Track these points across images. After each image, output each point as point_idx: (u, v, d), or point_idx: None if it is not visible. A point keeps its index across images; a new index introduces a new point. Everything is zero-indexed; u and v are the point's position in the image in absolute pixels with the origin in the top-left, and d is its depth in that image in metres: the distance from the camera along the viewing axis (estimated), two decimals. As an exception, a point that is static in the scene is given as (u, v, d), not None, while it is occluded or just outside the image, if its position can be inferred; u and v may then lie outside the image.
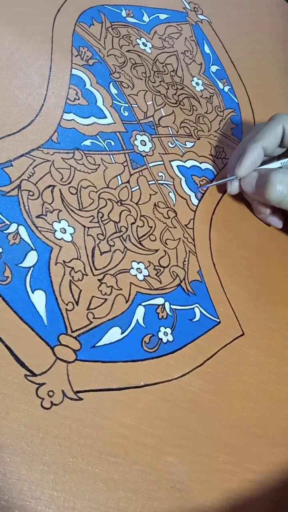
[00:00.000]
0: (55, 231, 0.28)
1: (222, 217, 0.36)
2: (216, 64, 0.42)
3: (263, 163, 0.34)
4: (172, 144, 0.36)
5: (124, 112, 0.34)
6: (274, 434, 0.31)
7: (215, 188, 0.36)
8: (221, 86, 0.41)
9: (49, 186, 0.28)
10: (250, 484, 0.29)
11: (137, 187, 0.32)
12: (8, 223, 0.26)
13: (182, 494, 0.26)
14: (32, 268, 0.26)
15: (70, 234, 0.28)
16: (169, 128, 0.36)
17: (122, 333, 0.27)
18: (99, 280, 0.28)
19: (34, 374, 0.24)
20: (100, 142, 0.32)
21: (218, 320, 0.31)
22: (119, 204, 0.31)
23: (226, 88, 0.41)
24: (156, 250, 0.31)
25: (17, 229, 0.26)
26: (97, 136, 0.32)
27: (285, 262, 0.37)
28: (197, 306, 0.31)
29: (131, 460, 0.25)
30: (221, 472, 0.28)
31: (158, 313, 0.29)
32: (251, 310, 0.34)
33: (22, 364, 0.24)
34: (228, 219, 0.36)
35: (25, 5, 0.33)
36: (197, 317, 0.31)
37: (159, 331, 0.29)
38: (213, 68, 0.41)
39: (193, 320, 0.30)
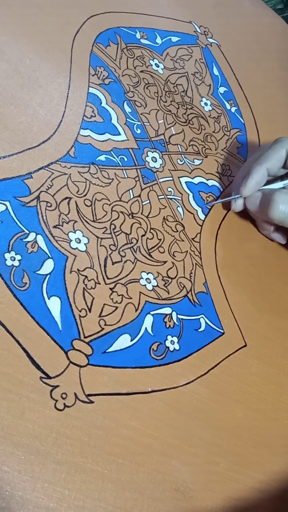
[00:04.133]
0: (71, 241, 0.29)
1: (227, 232, 0.37)
2: (224, 86, 0.44)
3: (267, 183, 0.35)
4: (181, 161, 0.37)
5: (137, 130, 0.36)
6: (275, 443, 0.32)
7: (221, 204, 0.38)
8: (228, 107, 0.43)
9: (65, 198, 0.30)
10: (252, 491, 0.30)
11: (148, 201, 0.34)
12: (27, 232, 0.27)
13: (186, 497, 0.27)
14: (48, 276, 0.27)
15: (85, 244, 0.29)
16: (179, 146, 0.38)
17: (131, 340, 0.29)
18: (111, 288, 0.29)
19: (48, 377, 0.25)
20: (114, 158, 0.33)
21: (222, 331, 0.33)
22: (130, 216, 0.32)
23: (233, 109, 0.43)
24: (165, 262, 0.32)
25: (35, 238, 0.28)
26: (111, 152, 0.33)
27: (286, 277, 0.38)
28: (202, 317, 0.32)
29: (138, 462, 0.26)
30: (223, 478, 0.29)
31: (165, 322, 0.30)
32: (254, 322, 0.35)
33: (38, 367, 0.25)
34: (233, 234, 0.37)
35: (46, 26, 0.34)
36: (203, 327, 0.32)
37: (166, 339, 0.30)
38: (221, 89, 0.43)
39: (199, 330, 0.32)
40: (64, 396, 0.25)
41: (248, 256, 0.37)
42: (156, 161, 0.36)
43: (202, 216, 0.36)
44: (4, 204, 0.27)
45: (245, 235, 0.38)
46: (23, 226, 0.27)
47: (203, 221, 0.36)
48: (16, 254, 0.26)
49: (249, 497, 0.29)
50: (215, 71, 0.44)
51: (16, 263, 0.26)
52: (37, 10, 0.35)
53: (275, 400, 0.33)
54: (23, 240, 0.27)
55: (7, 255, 0.26)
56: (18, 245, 0.27)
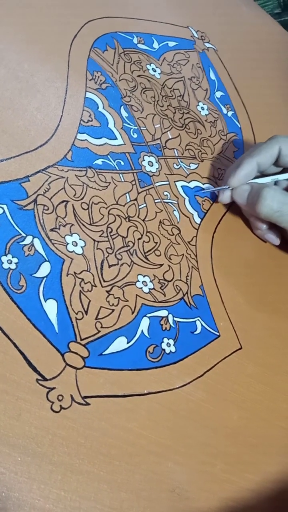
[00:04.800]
0: (67, 244, 0.29)
1: (223, 236, 0.37)
2: (221, 90, 0.44)
3: (257, 179, 0.36)
4: (177, 166, 0.37)
5: (134, 134, 0.36)
6: (269, 444, 0.32)
7: (217, 208, 0.38)
8: (225, 111, 0.43)
9: (62, 201, 0.30)
10: (247, 492, 0.30)
11: (144, 205, 0.34)
12: (24, 235, 0.28)
13: (181, 498, 0.27)
14: (45, 278, 0.27)
15: (81, 247, 0.30)
16: (175, 150, 0.38)
17: (127, 342, 0.29)
18: (107, 291, 0.30)
19: (45, 379, 0.25)
20: (111, 162, 0.34)
21: (218, 334, 0.33)
22: (127, 220, 0.33)
23: (230, 113, 0.43)
24: (161, 265, 0.33)
25: (32, 241, 0.28)
26: (108, 156, 0.34)
27: (281, 279, 0.39)
28: (198, 320, 0.32)
29: (134, 463, 0.26)
30: (219, 479, 0.29)
31: (161, 325, 0.31)
32: (249, 325, 0.35)
33: (34, 369, 0.25)
34: (228, 237, 0.38)
35: (44, 30, 0.35)
36: (199, 330, 0.32)
37: (163, 342, 0.30)
38: (218, 94, 0.44)
39: (195, 332, 0.32)
40: (60, 398, 0.25)
41: (244, 259, 0.38)
42: (152, 165, 0.36)
43: (198, 220, 0.36)
44: (1, 207, 0.27)
45: (240, 239, 0.38)
46: (20, 229, 0.28)
47: (199, 224, 0.36)
48: (12, 257, 0.27)
49: (244, 498, 0.30)
50: (212, 76, 0.44)
51: (13, 266, 0.26)
52: (35, 14, 0.35)
53: (270, 402, 0.33)
54: (20, 243, 0.27)
55: (3, 258, 0.26)
56: (15, 248, 0.27)
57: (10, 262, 0.26)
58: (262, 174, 0.37)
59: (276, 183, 0.36)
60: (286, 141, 0.34)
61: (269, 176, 0.36)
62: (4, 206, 0.28)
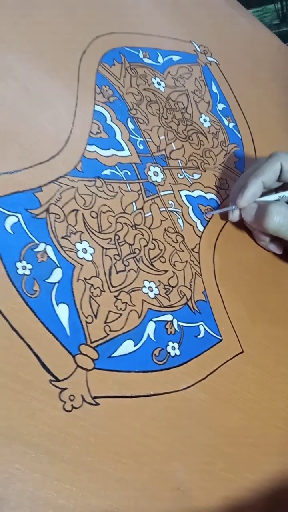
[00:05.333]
0: (78, 251, 0.30)
1: (225, 243, 0.39)
2: (223, 103, 0.46)
3: (262, 195, 0.37)
4: (181, 176, 0.39)
5: (140, 146, 0.37)
6: (268, 445, 0.33)
7: (219, 216, 0.39)
8: (226, 123, 0.45)
9: (73, 210, 0.31)
10: (246, 491, 0.31)
11: (150, 213, 0.35)
12: (37, 242, 0.29)
13: (185, 496, 0.28)
14: (57, 284, 0.29)
15: (91, 254, 0.31)
16: (179, 161, 0.39)
17: (135, 345, 0.30)
18: (115, 296, 0.31)
19: (57, 379, 0.26)
20: (118, 172, 0.35)
21: (220, 338, 0.34)
22: (133, 228, 0.34)
23: (231, 125, 0.45)
24: (166, 271, 0.34)
25: (45, 248, 0.29)
26: (116, 166, 0.35)
27: (282, 286, 0.40)
28: (201, 324, 0.34)
29: (141, 462, 0.28)
30: (220, 478, 0.30)
31: (167, 329, 0.32)
32: (250, 329, 0.36)
33: (47, 370, 0.26)
34: (230, 245, 0.39)
35: (55, 45, 0.36)
36: (202, 334, 0.33)
37: (168, 345, 0.32)
38: (220, 106, 0.45)
39: (198, 336, 0.33)
40: (72, 398, 0.26)
41: (245, 266, 0.39)
42: (157, 175, 0.37)
43: (201, 228, 0.38)
44: (16, 216, 0.29)
45: (242, 246, 0.40)
46: (34, 237, 0.29)
47: (202, 232, 0.38)
48: (27, 263, 0.28)
49: (244, 497, 0.31)
50: (214, 89, 0.46)
51: (27, 272, 0.28)
52: (45, 29, 0.36)
53: (269, 404, 0.35)
54: (34, 250, 0.29)
55: (18, 264, 0.28)
56: (29, 255, 0.28)
57: (24, 268, 0.28)
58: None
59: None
60: (286, 157, 0.35)
61: (274, 193, 0.37)
62: (19, 215, 0.29)
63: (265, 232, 0.37)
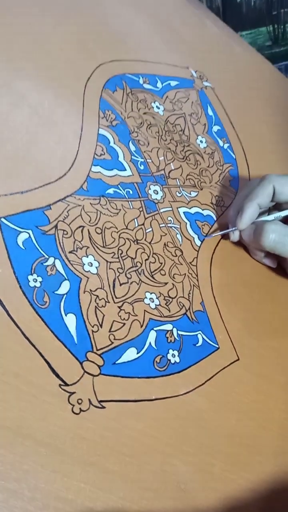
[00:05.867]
0: (84, 264, 0.33)
1: (221, 257, 0.41)
2: (218, 125, 0.49)
3: (258, 215, 0.40)
4: (179, 194, 0.41)
5: (141, 166, 0.40)
6: (265, 447, 0.35)
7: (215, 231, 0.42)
8: (221, 144, 0.48)
9: (79, 227, 0.34)
10: (244, 490, 0.33)
11: (150, 229, 0.38)
12: (47, 257, 0.31)
13: (185, 494, 0.30)
14: (65, 295, 0.31)
15: (96, 267, 0.33)
16: (177, 180, 0.42)
17: (137, 353, 0.32)
18: (119, 307, 0.33)
19: (66, 384, 0.28)
20: (121, 191, 0.37)
21: (217, 346, 0.36)
22: (135, 243, 0.36)
23: (226, 146, 0.48)
24: (166, 283, 0.36)
25: (54, 262, 0.31)
26: (119, 185, 0.38)
27: (275, 297, 0.42)
28: (200, 333, 0.36)
29: (144, 461, 0.29)
30: (219, 478, 0.32)
31: (167, 338, 0.34)
32: (245, 338, 0.39)
33: (57, 375, 0.28)
34: (226, 258, 0.41)
35: (62, 73, 0.39)
36: (200, 343, 0.36)
37: (168, 353, 0.34)
38: (215, 128, 0.48)
39: (197, 345, 0.35)
40: (79, 401, 0.28)
41: (241, 279, 0.41)
42: (157, 194, 0.40)
43: (198, 243, 0.40)
44: (27, 232, 0.31)
45: (237, 260, 0.42)
46: (44, 252, 0.31)
47: (199, 247, 0.40)
48: (37, 276, 0.30)
49: (242, 496, 0.33)
50: (210, 112, 0.49)
51: (38, 284, 0.30)
52: (54, 58, 0.39)
53: (264, 409, 0.37)
54: (44, 264, 0.31)
55: (30, 277, 0.30)
56: (39, 268, 0.31)
57: (35, 280, 0.30)
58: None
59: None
60: (278, 179, 0.38)
61: (269, 214, 0.40)
62: (30, 231, 0.31)
63: (263, 249, 0.39)
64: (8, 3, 0.39)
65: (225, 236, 0.42)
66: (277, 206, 0.41)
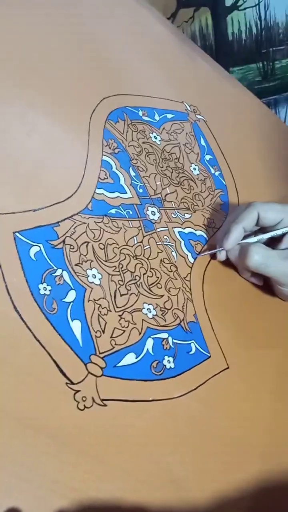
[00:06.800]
0: (88, 276, 0.36)
1: (212, 274, 0.45)
2: (210, 154, 0.53)
3: (244, 237, 0.44)
4: (175, 215, 0.45)
5: (140, 190, 0.44)
6: (252, 446, 0.38)
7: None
8: (213, 171, 0.52)
9: (84, 242, 0.37)
10: (234, 487, 0.35)
11: (148, 246, 0.41)
12: (56, 268, 0.35)
13: (179, 488, 0.33)
14: (71, 303, 0.34)
15: (99, 279, 0.37)
16: (173, 202, 0.46)
17: (136, 358, 0.35)
18: (119, 315, 0.36)
19: (72, 383, 0.31)
20: (122, 211, 0.41)
21: (209, 355, 0.40)
22: (134, 258, 0.40)
23: (217, 173, 0.52)
24: (162, 296, 0.40)
25: (61, 273, 0.35)
26: (120, 206, 0.41)
27: (263, 313, 0.46)
28: (193, 342, 0.39)
29: (141, 456, 0.32)
30: (211, 475, 0.35)
31: (163, 345, 0.37)
32: (235, 349, 0.42)
33: (64, 375, 0.31)
34: (217, 275, 0.45)
35: (70, 107, 0.43)
36: (193, 351, 0.39)
37: (164, 359, 0.37)
38: (207, 157, 0.52)
39: (190, 353, 0.38)
40: (84, 399, 0.31)
41: (230, 294, 0.45)
42: (154, 214, 0.44)
43: (191, 260, 0.44)
44: (38, 246, 0.35)
45: (227, 277, 0.46)
46: (53, 264, 0.35)
47: (192, 263, 0.44)
48: (47, 285, 0.33)
49: (232, 492, 0.35)
50: (202, 142, 0.53)
51: (48, 292, 0.33)
52: (62, 92, 0.43)
53: (252, 413, 0.39)
54: (52, 274, 0.34)
55: (40, 286, 0.33)
56: (48, 278, 0.34)
57: (45, 289, 0.33)
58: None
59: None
60: (262, 206, 0.42)
61: (254, 236, 0.44)
62: (41, 245, 0.35)
63: (248, 269, 0.43)
64: (23, 43, 0.44)
65: (214, 256, 0.45)
66: (261, 230, 0.45)
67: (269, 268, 0.41)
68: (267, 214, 0.42)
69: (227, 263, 0.46)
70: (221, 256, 0.44)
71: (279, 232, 0.43)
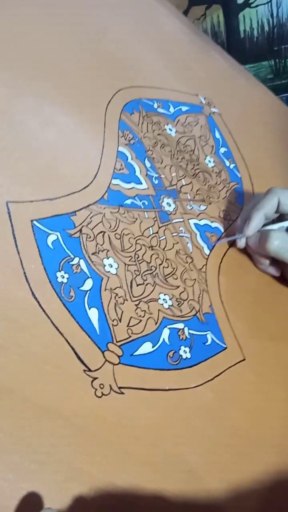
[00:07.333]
0: (105, 265, 0.36)
1: (228, 266, 0.44)
2: (224, 147, 0.53)
3: (264, 225, 0.43)
4: (190, 207, 0.45)
5: (155, 181, 0.44)
6: (266, 443, 0.37)
7: (223, 243, 0.45)
8: (227, 164, 0.52)
9: (101, 232, 0.37)
10: (248, 479, 0.35)
11: (164, 237, 0.41)
12: (73, 256, 0.35)
13: (194, 478, 0.33)
14: (89, 291, 0.34)
15: (115, 268, 0.37)
16: (188, 194, 0.46)
17: (152, 347, 0.35)
18: (136, 305, 0.36)
19: (90, 370, 0.31)
20: (138, 202, 0.41)
21: (225, 346, 0.39)
22: (150, 249, 0.40)
23: (232, 166, 0.52)
24: (178, 287, 0.40)
25: (79, 262, 0.35)
26: (135, 197, 0.41)
27: (279, 306, 0.45)
28: (209, 333, 0.39)
29: (156, 445, 0.32)
30: (225, 466, 0.34)
31: (179, 335, 0.37)
32: (251, 341, 0.41)
33: (82, 361, 0.31)
34: (232, 267, 0.45)
35: (86, 99, 0.43)
36: (209, 342, 0.39)
37: (180, 349, 0.37)
38: (222, 150, 0.52)
39: (206, 343, 0.38)
40: (101, 386, 0.31)
41: (246, 287, 0.45)
42: (170, 206, 0.44)
43: (207, 251, 0.44)
44: (56, 234, 0.35)
45: (243, 269, 0.46)
46: (70, 252, 0.35)
47: (208, 255, 0.44)
48: (65, 273, 0.34)
49: (247, 484, 0.35)
50: (217, 135, 0.53)
51: (65, 280, 0.33)
52: (79, 85, 0.44)
53: (266, 406, 0.39)
54: (70, 263, 0.34)
55: (58, 274, 0.33)
56: (66, 267, 0.34)
57: (63, 277, 0.33)
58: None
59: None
60: (282, 192, 0.42)
61: (274, 224, 0.44)
62: (58, 234, 0.35)
63: (267, 255, 0.42)
64: (40, 40, 0.44)
65: (233, 244, 0.45)
66: (280, 218, 0.44)
67: None
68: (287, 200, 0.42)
69: (243, 255, 0.46)
70: (241, 243, 0.44)
71: None
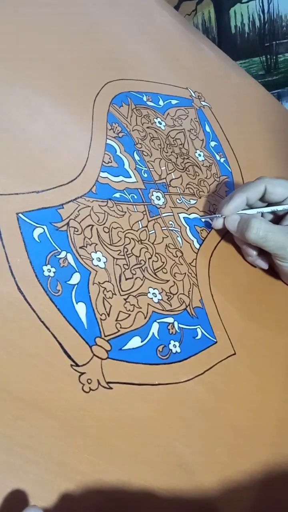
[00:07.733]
0: (93, 259, 0.36)
1: (218, 260, 0.44)
2: (214, 140, 0.52)
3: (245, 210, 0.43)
4: (180, 201, 0.45)
5: (144, 174, 0.43)
6: (259, 435, 0.37)
7: (213, 236, 0.45)
8: (218, 158, 0.51)
9: (89, 225, 0.37)
10: (241, 474, 0.35)
11: (153, 231, 0.41)
12: (60, 250, 0.34)
13: (186, 473, 0.32)
14: (76, 285, 0.34)
15: (104, 262, 0.36)
16: (178, 188, 0.45)
17: (141, 341, 0.35)
18: (125, 299, 0.36)
19: (77, 365, 0.31)
20: (126, 195, 0.41)
21: (215, 340, 0.39)
22: (139, 243, 0.39)
23: (222, 160, 0.51)
24: (167, 281, 0.39)
25: (66, 255, 0.34)
26: (124, 190, 0.41)
27: (268, 297, 0.45)
28: (199, 327, 0.39)
29: (148, 440, 0.32)
30: (218, 461, 0.34)
31: (169, 329, 0.37)
32: (242, 335, 0.41)
33: (69, 356, 0.31)
34: (222, 261, 0.44)
35: (74, 91, 0.43)
36: (199, 336, 0.38)
37: (170, 343, 0.36)
38: (212, 143, 0.52)
39: (196, 338, 0.38)
40: (89, 381, 0.31)
41: (236, 280, 0.44)
42: (159, 199, 0.43)
43: (197, 245, 0.43)
44: (42, 227, 0.34)
45: (232, 263, 0.45)
46: (57, 246, 0.34)
47: (198, 249, 0.43)
48: (51, 267, 0.33)
49: (240, 479, 0.35)
50: (207, 129, 0.53)
51: (52, 274, 0.33)
52: (67, 76, 0.43)
53: (259, 400, 0.39)
54: (57, 256, 0.34)
55: (44, 267, 0.33)
56: (53, 260, 0.33)
57: (49, 271, 0.33)
58: (250, 207, 0.44)
59: (262, 215, 0.44)
60: (270, 181, 0.42)
61: (256, 208, 0.43)
62: (44, 227, 0.34)
63: (247, 242, 0.42)
64: (28, 30, 0.43)
65: (223, 238, 0.44)
66: (269, 207, 0.44)
67: (268, 242, 0.40)
68: (276, 189, 0.42)
69: (233, 249, 0.46)
70: (218, 223, 0.43)
71: (279, 208, 0.43)
